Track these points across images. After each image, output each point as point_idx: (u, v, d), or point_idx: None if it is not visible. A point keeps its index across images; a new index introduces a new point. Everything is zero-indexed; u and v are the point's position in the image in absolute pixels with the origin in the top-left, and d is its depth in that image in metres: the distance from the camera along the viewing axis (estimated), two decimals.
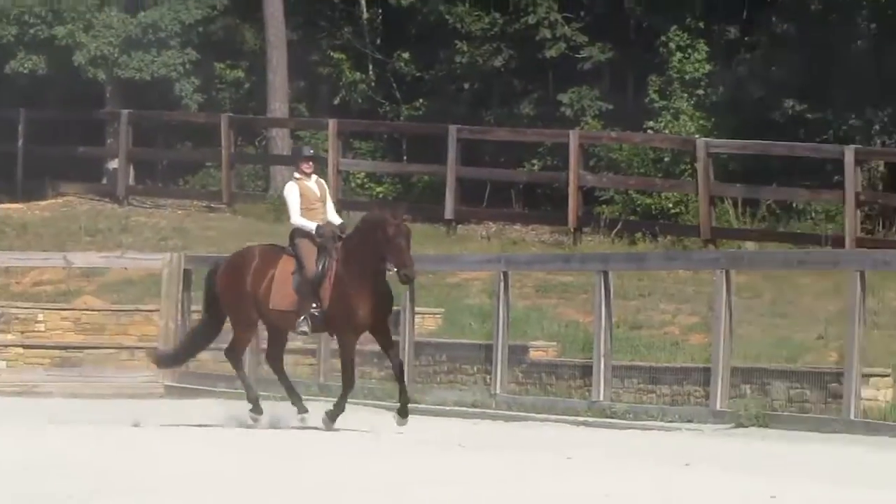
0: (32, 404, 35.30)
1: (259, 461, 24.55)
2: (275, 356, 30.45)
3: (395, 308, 31.65)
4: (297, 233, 27.80)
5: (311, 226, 27.16)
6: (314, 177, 27.67)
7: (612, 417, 32.07)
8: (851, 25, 50.12)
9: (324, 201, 27.50)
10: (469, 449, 26.99)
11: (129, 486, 21.33)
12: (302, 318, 27.46)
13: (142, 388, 39.97)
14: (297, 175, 27.57)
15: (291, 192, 27.29)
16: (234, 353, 30.41)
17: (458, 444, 27.80)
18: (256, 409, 29.63)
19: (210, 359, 40.90)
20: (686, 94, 52.36)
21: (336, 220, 27.42)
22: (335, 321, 27.95)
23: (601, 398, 33.04)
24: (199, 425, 31.46)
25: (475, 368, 36.62)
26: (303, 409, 29.77)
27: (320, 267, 27.06)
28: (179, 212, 54.61)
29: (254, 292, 28.21)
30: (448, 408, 34.84)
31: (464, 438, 29.03)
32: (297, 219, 27.27)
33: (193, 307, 41.29)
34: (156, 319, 41.64)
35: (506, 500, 19.81)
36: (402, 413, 28.22)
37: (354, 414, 31.16)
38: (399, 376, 28.34)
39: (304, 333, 28.68)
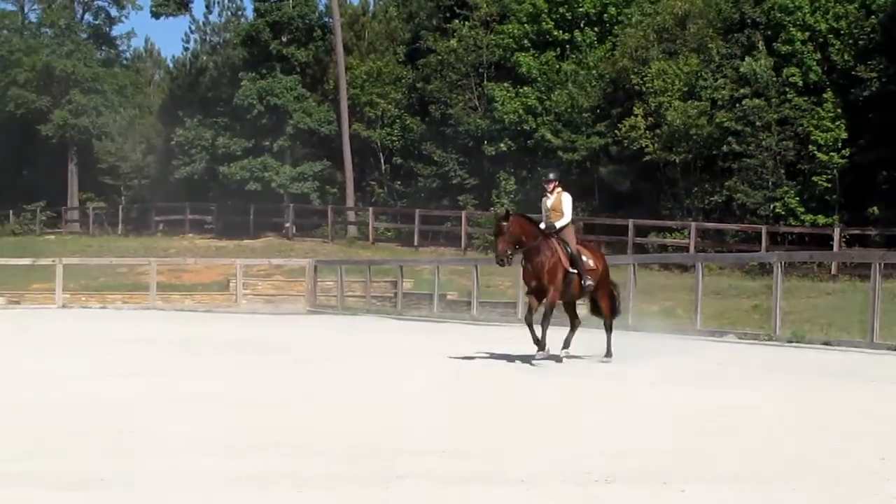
0: (256, 316, 34.87)
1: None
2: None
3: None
4: None
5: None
6: (556, 192, 16.79)
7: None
8: None
9: (557, 210, 16.68)
10: None
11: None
12: None
13: (300, 310, 38.73)
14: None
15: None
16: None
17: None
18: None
19: (325, 296, 40.56)
20: None
21: (554, 225, 16.56)
22: None
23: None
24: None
25: None
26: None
27: None
28: (311, 243, 54.46)
29: None
30: None
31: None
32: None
33: (318, 281, 41.19)
34: (304, 283, 41.42)
35: None
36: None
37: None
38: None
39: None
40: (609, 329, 17.12)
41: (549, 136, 50.79)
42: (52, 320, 30.37)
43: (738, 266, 38.84)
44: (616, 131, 48.36)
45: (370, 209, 55.51)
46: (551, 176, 17.21)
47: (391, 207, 57.57)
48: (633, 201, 47.99)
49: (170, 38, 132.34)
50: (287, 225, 57.08)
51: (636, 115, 47.45)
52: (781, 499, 7.22)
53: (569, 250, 16.47)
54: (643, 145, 46.93)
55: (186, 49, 71.46)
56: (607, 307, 17.25)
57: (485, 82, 54.80)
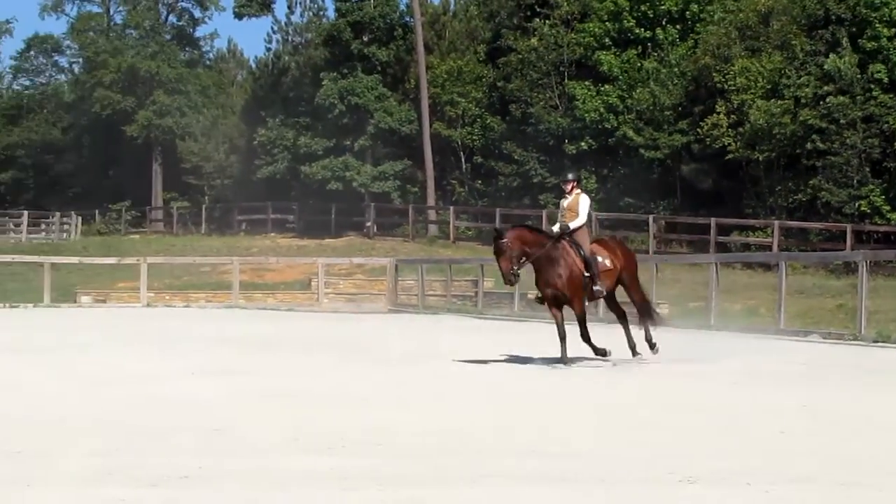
0: (338, 315, 35.03)
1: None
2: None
3: None
4: None
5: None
6: (574, 192, 16.18)
7: None
8: None
9: (572, 210, 16.13)
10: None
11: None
12: None
13: (381, 309, 38.53)
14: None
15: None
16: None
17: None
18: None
19: (406, 294, 40.44)
20: None
21: (568, 226, 16.05)
22: None
23: None
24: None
25: None
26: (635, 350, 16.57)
27: None
28: (392, 242, 54.58)
29: None
30: None
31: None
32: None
33: (399, 279, 41.16)
34: (385, 282, 41.50)
35: None
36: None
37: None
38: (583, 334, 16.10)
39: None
40: (647, 316, 16.70)
41: (630, 134, 50.62)
42: (136, 319, 30.74)
43: (822, 265, 38.47)
44: (698, 129, 48.10)
45: (451, 208, 55.63)
46: (570, 176, 16.70)
47: (472, 206, 57.62)
48: (716, 200, 47.64)
49: (252, 39, 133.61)
50: (368, 224, 57.30)
51: (718, 113, 47.14)
52: (869, 500, 7.15)
53: (582, 253, 16.00)
54: (725, 143, 46.63)
55: (269, 49, 71.98)
56: (640, 298, 16.85)
57: (566, 81, 54.62)
